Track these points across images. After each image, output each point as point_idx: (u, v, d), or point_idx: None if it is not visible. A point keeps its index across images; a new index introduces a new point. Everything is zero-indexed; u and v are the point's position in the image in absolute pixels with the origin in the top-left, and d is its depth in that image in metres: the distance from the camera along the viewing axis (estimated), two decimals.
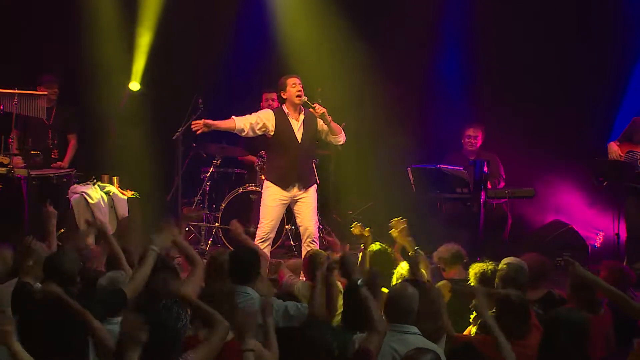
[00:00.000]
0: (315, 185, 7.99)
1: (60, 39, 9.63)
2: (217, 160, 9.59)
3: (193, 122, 7.65)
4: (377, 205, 10.20)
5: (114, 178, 8.91)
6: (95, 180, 8.73)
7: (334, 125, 7.75)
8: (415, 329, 4.67)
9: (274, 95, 8.91)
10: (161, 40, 10.09)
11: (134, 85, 10.07)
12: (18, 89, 8.44)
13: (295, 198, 7.85)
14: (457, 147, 9.35)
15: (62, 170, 8.80)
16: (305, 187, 7.85)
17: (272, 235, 7.71)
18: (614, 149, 8.44)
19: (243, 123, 7.66)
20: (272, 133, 7.76)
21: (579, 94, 9.69)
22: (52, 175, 8.61)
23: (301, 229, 7.91)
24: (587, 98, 9.66)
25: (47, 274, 4.89)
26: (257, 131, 7.74)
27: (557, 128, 9.78)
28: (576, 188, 9.67)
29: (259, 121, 7.70)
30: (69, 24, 9.63)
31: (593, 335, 4.68)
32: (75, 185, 8.62)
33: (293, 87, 7.69)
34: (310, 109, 7.68)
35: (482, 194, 8.26)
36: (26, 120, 8.74)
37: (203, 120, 7.58)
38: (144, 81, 10.09)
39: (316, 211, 7.95)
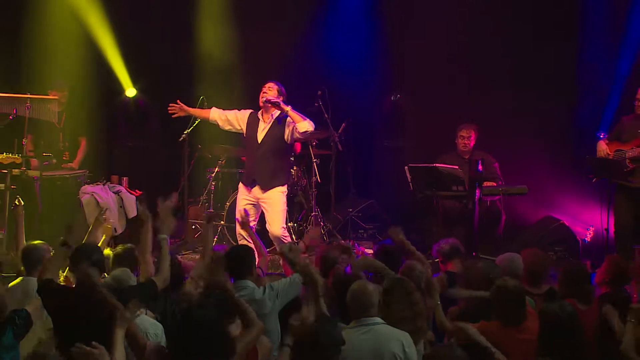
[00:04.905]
0: (280, 188, 7.88)
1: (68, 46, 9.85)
2: (222, 161, 9.79)
3: (170, 105, 7.96)
4: (376, 203, 10.42)
5: (123, 178, 9.11)
6: (105, 181, 8.93)
7: (292, 114, 7.72)
8: (379, 319, 4.84)
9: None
10: (163, 43, 10.28)
11: (131, 92, 10.26)
12: (30, 94, 8.63)
13: (260, 200, 7.86)
14: (451, 147, 9.38)
15: (76, 172, 9.02)
16: (264, 188, 7.84)
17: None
18: (602, 148, 8.49)
19: (218, 115, 8.04)
20: (244, 133, 8.02)
21: (569, 94, 9.86)
22: (67, 176, 8.88)
23: (269, 233, 7.89)
24: (577, 98, 9.82)
25: (73, 264, 4.82)
26: (227, 127, 8.08)
27: (548, 128, 9.89)
28: (567, 185, 9.73)
29: (230, 118, 8.02)
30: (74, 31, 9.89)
31: (583, 325, 4.80)
32: (86, 186, 8.80)
33: (262, 91, 7.90)
34: (271, 105, 7.83)
35: (477, 191, 8.34)
36: (38, 124, 8.91)
37: (180, 104, 7.94)
38: (148, 86, 10.31)
39: (282, 214, 7.82)
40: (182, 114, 8.08)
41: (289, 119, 7.81)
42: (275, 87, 7.89)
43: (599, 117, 9.48)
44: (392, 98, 10.59)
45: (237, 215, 7.32)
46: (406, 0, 10.41)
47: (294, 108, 7.81)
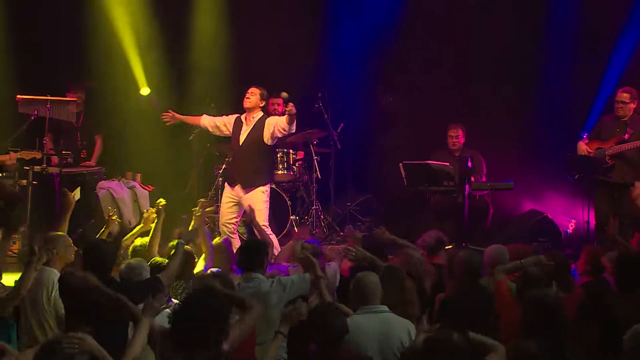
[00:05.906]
0: (261, 187, 8.03)
1: (86, 49, 10.14)
2: (229, 158, 9.87)
3: (163, 114, 8.34)
4: (373, 197, 10.75)
5: (137, 174, 9.43)
6: (120, 177, 9.30)
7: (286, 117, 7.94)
8: (385, 308, 4.99)
9: (279, 100, 9.41)
10: (173, 46, 10.57)
11: (145, 91, 10.50)
12: (50, 96, 8.95)
13: (242, 199, 8.06)
14: (441, 145, 9.68)
15: (92, 168, 9.37)
16: (245, 187, 8.03)
17: (230, 230, 8.03)
18: (583, 148, 8.81)
19: (207, 122, 8.36)
20: (230, 135, 8.32)
21: (553, 96, 10.13)
22: (85, 172, 9.22)
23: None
24: (561, 100, 10.09)
25: (86, 259, 4.95)
26: (216, 132, 8.40)
27: (533, 127, 10.22)
28: (551, 181, 9.95)
29: (219, 124, 8.32)
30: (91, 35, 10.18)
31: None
32: (102, 182, 9.15)
33: (245, 96, 8.19)
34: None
35: (466, 186, 8.66)
36: (58, 124, 9.23)
37: (171, 112, 8.31)
38: (160, 86, 10.58)
39: (263, 212, 7.89)
40: (174, 121, 8.40)
41: (267, 121, 8.04)
42: (258, 91, 8.13)
43: (584, 117, 9.74)
44: (383, 101, 10.90)
45: (220, 219, 7.93)
46: (402, 6, 10.71)
47: (297, 110, 8.08)
